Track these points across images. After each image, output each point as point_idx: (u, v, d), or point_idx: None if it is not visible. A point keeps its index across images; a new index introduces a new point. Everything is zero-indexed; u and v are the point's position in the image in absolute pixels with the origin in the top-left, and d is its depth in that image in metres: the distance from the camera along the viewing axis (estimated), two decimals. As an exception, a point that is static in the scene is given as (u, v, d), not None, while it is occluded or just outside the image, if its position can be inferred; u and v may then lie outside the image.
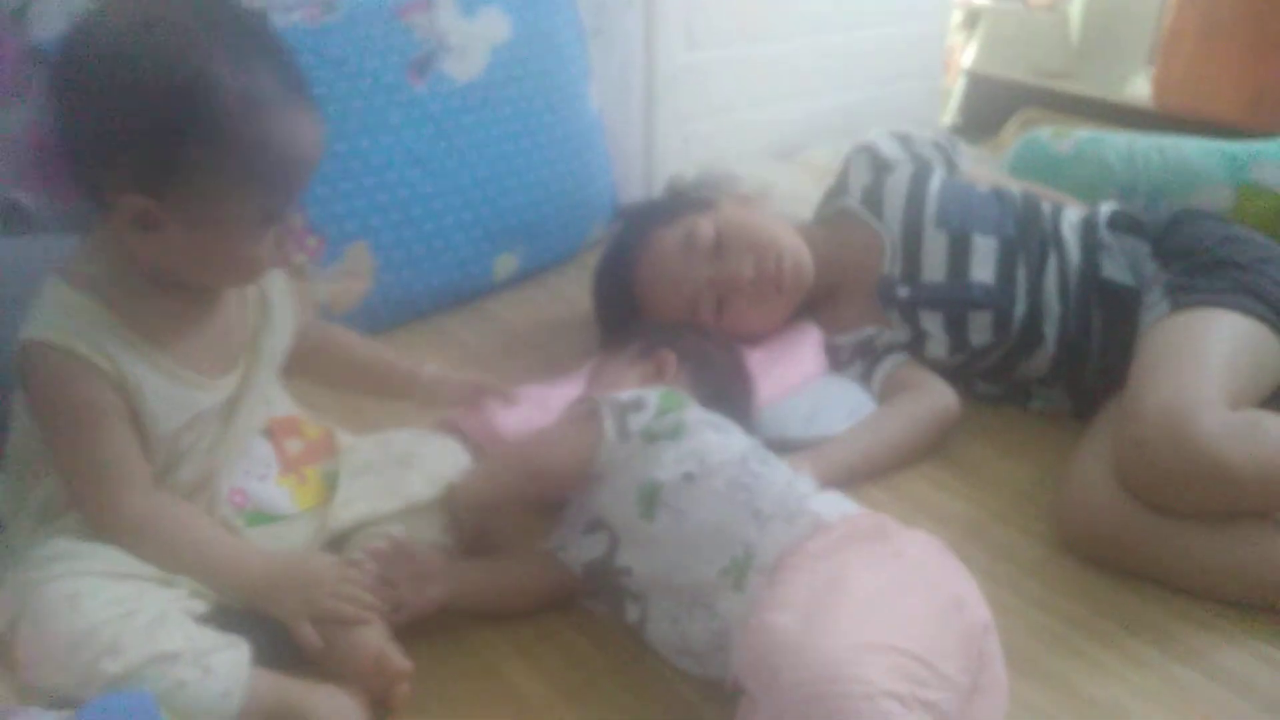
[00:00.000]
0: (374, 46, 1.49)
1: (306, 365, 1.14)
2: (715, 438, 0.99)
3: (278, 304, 1.04)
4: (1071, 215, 1.44)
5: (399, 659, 0.91)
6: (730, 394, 1.18)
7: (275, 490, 1.03)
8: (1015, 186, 1.55)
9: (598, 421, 0.99)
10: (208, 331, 0.96)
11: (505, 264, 1.70)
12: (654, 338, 1.21)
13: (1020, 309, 1.36)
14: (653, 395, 1.03)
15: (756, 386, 1.25)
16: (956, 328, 1.38)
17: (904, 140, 1.61)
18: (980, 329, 1.37)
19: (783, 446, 1.06)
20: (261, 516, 1.01)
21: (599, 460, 0.98)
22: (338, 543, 1.02)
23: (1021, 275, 1.37)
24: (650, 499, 0.94)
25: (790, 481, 0.94)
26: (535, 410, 1.26)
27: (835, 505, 0.92)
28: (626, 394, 1.03)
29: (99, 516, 0.89)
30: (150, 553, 0.89)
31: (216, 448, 0.98)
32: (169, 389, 0.91)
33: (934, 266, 1.40)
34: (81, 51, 0.84)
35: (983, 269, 1.37)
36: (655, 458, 0.96)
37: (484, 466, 1.11)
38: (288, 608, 0.91)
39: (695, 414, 1.02)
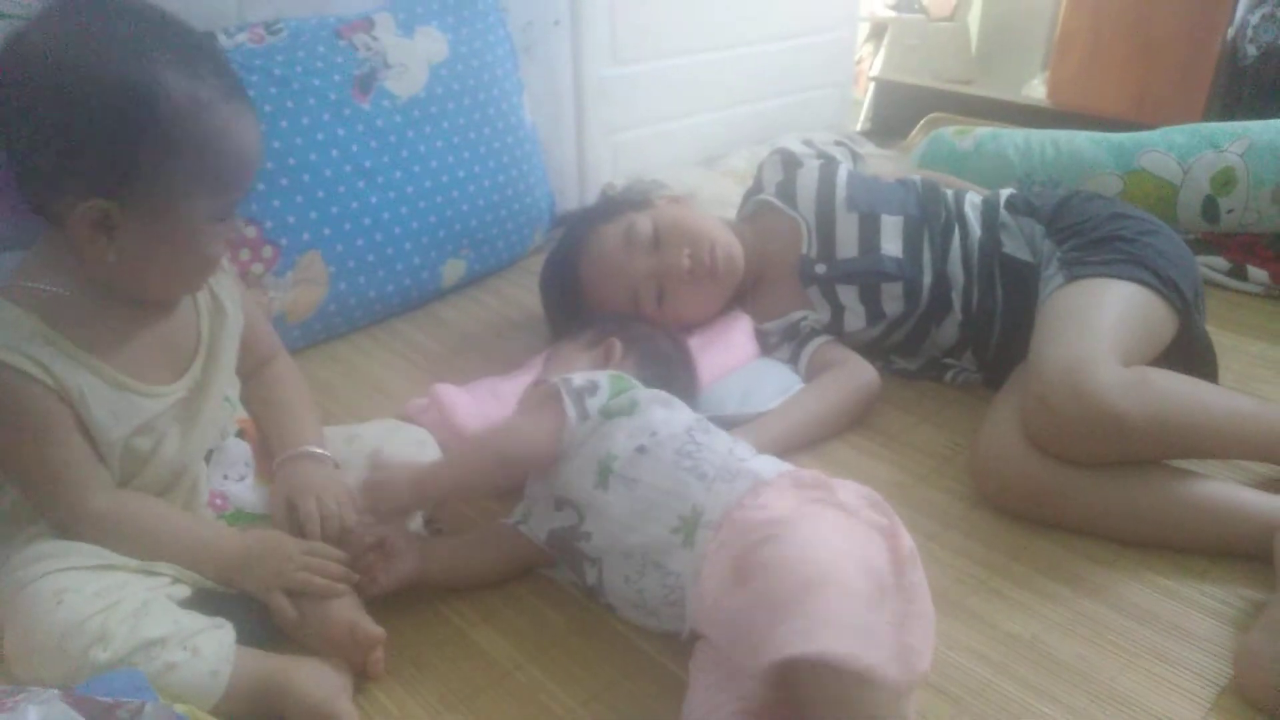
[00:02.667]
0: (317, 65, 1.51)
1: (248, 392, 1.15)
2: (663, 413, 1.04)
3: (230, 307, 1.05)
4: (974, 197, 1.53)
5: (371, 627, 0.94)
6: (675, 378, 1.23)
7: (254, 491, 1.06)
8: (920, 175, 1.65)
9: (560, 406, 1.03)
10: (155, 340, 0.97)
11: (453, 270, 1.75)
12: (604, 326, 1.27)
13: (928, 278, 1.45)
14: (603, 378, 1.08)
15: (698, 370, 1.31)
16: (871, 299, 1.47)
17: (808, 141, 1.72)
18: (892, 299, 1.46)
19: (720, 424, 1.10)
20: (243, 516, 1.03)
21: (563, 442, 1.03)
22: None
23: (927, 248, 1.46)
24: (605, 470, 0.99)
25: (731, 448, 1.00)
26: (489, 400, 1.32)
27: (772, 465, 0.98)
28: (579, 379, 1.07)
29: (64, 520, 0.91)
30: (121, 544, 0.90)
31: (183, 448, 0.99)
32: (113, 397, 0.91)
33: (847, 244, 1.48)
34: (24, 64, 0.84)
35: (891, 243, 1.46)
36: (610, 434, 1.01)
37: (454, 455, 1.13)
38: (260, 580, 0.94)
39: (645, 393, 1.07)
